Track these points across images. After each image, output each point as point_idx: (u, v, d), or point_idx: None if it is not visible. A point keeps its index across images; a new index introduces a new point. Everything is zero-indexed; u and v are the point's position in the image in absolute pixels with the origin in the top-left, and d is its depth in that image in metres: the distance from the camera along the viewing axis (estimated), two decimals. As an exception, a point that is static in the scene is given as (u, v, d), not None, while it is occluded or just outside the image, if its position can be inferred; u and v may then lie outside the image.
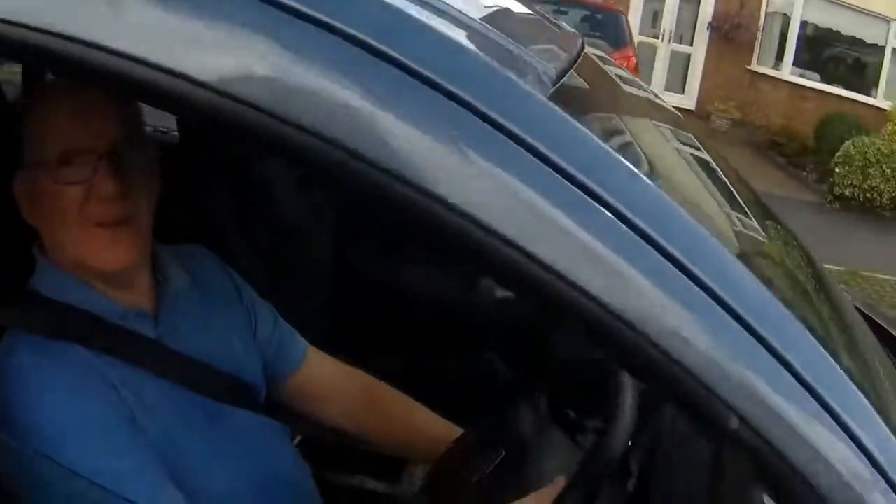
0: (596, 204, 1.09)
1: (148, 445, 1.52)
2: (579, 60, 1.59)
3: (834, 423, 1.16)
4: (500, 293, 3.20)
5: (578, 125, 1.17)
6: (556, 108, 1.16)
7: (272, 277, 2.48)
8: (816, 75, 18.16)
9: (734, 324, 1.13)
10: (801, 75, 18.10)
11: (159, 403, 1.58)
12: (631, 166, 1.19)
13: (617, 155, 1.18)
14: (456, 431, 1.98)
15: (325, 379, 2.04)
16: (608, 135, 1.49)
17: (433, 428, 2.04)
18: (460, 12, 1.28)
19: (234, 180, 2.75)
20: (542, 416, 1.79)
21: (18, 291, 1.60)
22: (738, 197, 1.81)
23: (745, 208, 1.77)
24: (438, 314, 3.22)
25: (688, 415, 1.33)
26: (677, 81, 18.10)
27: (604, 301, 1.08)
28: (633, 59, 14.21)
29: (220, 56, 1.02)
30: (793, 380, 1.15)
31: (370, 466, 2.51)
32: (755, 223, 1.71)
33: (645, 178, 1.21)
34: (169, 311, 1.68)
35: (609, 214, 1.10)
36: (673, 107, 2.55)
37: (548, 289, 1.08)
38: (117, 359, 1.56)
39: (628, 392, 1.57)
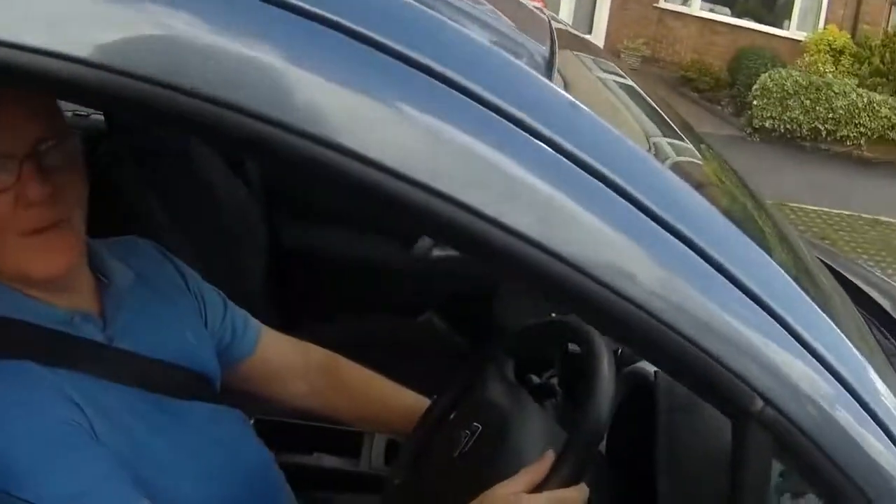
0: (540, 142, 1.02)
1: (109, 457, 1.43)
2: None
3: (792, 339, 1.14)
4: (438, 253, 3.16)
5: (511, 59, 1.12)
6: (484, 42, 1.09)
7: (206, 259, 2.42)
8: (726, 9, 18.22)
9: (687, 251, 1.09)
10: (711, 10, 18.15)
11: (118, 408, 1.49)
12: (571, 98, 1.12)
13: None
14: (422, 401, 1.93)
15: (282, 358, 1.97)
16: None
17: (398, 398, 1.99)
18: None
19: (160, 164, 2.68)
20: (512, 383, 1.71)
21: None
22: (670, 122, 1.76)
23: (679, 132, 1.71)
24: (375, 278, 3.19)
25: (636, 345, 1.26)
26: (584, 21, 18.02)
27: (538, 241, 1.02)
28: (541, 1, 14.18)
29: (112, 30, 0.93)
30: (748, 300, 1.12)
31: (326, 444, 2.47)
32: (691, 146, 1.66)
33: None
34: (116, 311, 1.59)
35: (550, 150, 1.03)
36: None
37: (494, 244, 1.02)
38: (68, 368, 1.47)
39: (605, 355, 1.51)
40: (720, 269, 1.10)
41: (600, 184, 1.05)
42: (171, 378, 1.63)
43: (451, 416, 1.77)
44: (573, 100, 1.13)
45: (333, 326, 2.85)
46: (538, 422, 1.61)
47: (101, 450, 1.42)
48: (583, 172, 1.04)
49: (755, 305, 1.12)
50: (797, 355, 1.14)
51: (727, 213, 1.28)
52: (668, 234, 1.08)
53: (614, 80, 1.84)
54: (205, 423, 1.65)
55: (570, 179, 1.04)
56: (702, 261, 1.09)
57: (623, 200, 1.06)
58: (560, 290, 1.06)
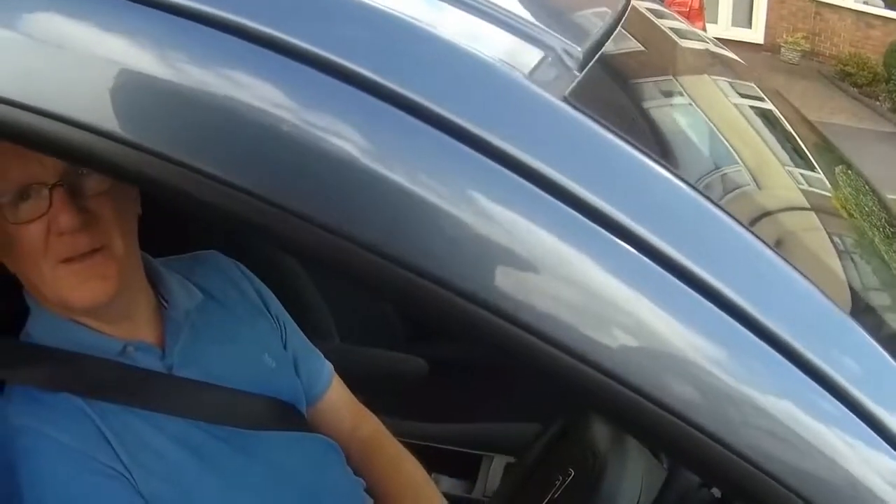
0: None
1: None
2: (620, 25, 1.40)
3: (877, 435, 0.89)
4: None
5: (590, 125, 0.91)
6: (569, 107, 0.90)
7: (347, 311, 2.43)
8: (880, 1, 17.70)
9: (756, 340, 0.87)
10: (865, 2, 17.66)
11: (168, 446, 1.47)
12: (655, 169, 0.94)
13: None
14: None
15: (336, 419, 1.86)
16: (658, 100, 1.44)
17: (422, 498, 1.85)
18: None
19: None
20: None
21: (14, 341, 1.52)
22: (802, 145, 1.76)
23: (811, 157, 1.71)
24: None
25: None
26: (744, 16, 17.73)
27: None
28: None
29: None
30: (835, 399, 0.87)
31: (445, 465, 2.39)
32: (820, 174, 1.65)
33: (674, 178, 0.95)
34: (176, 337, 1.56)
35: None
36: (742, 41, 2.46)
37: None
38: (116, 401, 1.45)
39: None
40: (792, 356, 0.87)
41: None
42: (239, 406, 1.57)
43: (551, 457, 1.69)
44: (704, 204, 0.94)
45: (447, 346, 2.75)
46: (638, 467, 1.51)
47: (135, 500, 1.42)
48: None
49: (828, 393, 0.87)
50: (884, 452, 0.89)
51: (832, 267, 1.20)
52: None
53: (750, 106, 1.84)
54: (277, 452, 1.59)
55: (654, 284, 0.86)
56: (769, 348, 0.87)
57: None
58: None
